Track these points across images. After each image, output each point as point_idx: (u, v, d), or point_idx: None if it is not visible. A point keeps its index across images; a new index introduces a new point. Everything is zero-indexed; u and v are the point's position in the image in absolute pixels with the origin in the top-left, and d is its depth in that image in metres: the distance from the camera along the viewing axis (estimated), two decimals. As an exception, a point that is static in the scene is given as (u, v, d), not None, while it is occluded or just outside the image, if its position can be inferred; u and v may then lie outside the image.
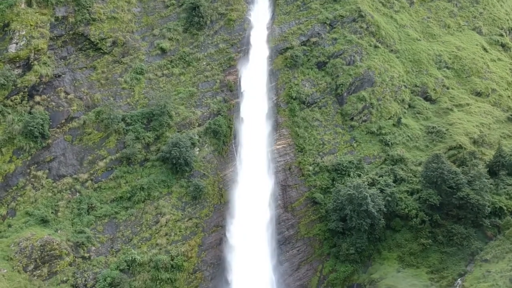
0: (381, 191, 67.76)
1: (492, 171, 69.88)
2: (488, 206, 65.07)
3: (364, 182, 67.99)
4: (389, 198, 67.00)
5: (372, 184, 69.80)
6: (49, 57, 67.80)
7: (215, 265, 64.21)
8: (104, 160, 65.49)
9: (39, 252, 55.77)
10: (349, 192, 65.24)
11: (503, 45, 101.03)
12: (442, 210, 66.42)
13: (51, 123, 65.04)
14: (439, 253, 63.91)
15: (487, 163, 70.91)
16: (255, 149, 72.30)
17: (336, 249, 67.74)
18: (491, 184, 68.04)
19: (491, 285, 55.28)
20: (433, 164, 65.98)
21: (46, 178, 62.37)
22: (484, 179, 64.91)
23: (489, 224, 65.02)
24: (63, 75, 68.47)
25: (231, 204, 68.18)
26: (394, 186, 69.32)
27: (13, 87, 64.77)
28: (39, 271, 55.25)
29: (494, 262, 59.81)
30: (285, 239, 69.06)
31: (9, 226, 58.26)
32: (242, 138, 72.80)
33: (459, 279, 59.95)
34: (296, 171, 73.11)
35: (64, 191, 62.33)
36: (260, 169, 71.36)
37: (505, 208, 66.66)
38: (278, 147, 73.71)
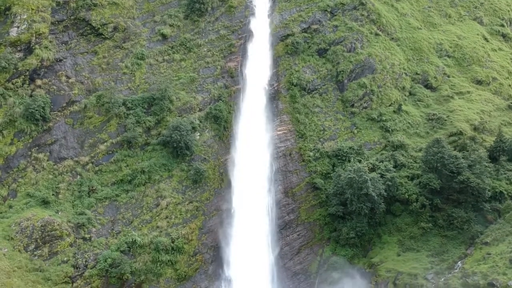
0: (382, 176, 67.80)
1: (493, 157, 69.89)
2: (489, 190, 65.17)
3: (364, 167, 67.98)
4: (389, 183, 67.02)
5: (372, 169, 69.83)
6: (50, 42, 68.06)
7: (216, 248, 64.25)
8: (105, 144, 65.63)
9: (39, 232, 55.90)
10: (349, 176, 65.30)
11: (504, 36, 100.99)
12: (442, 195, 66.43)
13: (52, 106, 65.25)
14: (440, 236, 63.96)
15: (488, 148, 70.90)
16: (255, 135, 72.34)
17: (336, 233, 67.79)
18: (491, 169, 68.17)
19: (491, 266, 55.37)
20: (434, 149, 66.01)
21: (47, 160, 62.53)
22: (484, 163, 64.95)
23: (489, 208, 65.05)
24: (64, 60, 68.67)
25: (232, 189, 68.20)
26: (395, 171, 69.38)
27: (14, 71, 65.01)
28: (39, 251, 55.37)
29: (494, 244, 59.87)
30: (285, 224, 69.10)
31: (10, 207, 58.42)
32: (243, 124, 72.80)
33: (459, 262, 59.98)
34: (296, 157, 73.19)
35: (65, 173, 62.46)
36: (260, 155, 71.39)
37: (505, 192, 66.74)
38: (278, 133, 73.78)
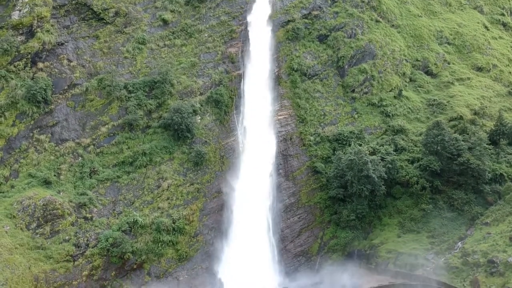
0: (382, 159, 68.00)
1: (493, 141, 70.02)
2: (489, 172, 65.40)
3: (365, 151, 68.14)
4: (390, 165, 67.19)
5: (373, 153, 69.96)
6: (52, 25, 68.44)
7: (216, 229, 64.44)
8: (106, 126, 65.87)
9: (41, 211, 56.16)
10: (350, 158, 65.50)
11: (504, 24, 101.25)
12: (442, 177, 66.64)
13: (53, 89, 65.57)
14: (440, 218, 64.07)
15: (488, 132, 71.04)
16: (256, 119, 72.48)
17: (336, 216, 67.97)
18: (492, 153, 68.36)
19: (491, 245, 55.55)
20: (434, 131, 66.20)
21: (49, 142, 62.83)
22: (484, 144, 65.13)
23: (489, 190, 65.23)
24: (66, 43, 69.01)
25: (233, 172, 68.39)
26: (395, 155, 69.56)
27: (16, 53, 65.38)
28: (41, 229, 55.62)
29: (495, 225, 60.10)
30: (286, 207, 69.26)
31: (12, 187, 58.69)
32: (243, 108, 72.96)
33: (459, 242, 60.15)
34: (297, 141, 73.39)
35: (66, 154, 62.73)
36: (261, 139, 71.53)
37: (505, 175, 66.93)
38: (279, 117, 73.95)
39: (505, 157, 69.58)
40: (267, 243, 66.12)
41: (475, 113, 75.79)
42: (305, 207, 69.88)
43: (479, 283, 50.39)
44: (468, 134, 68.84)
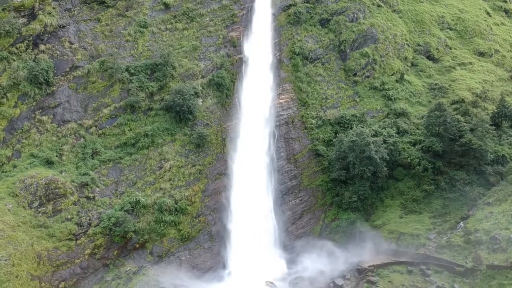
0: (384, 141, 67.93)
1: (495, 123, 69.88)
2: (491, 153, 65.26)
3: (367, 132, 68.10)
4: (392, 147, 67.14)
5: (375, 136, 69.86)
6: (53, 8, 68.56)
7: (218, 210, 64.46)
8: (108, 108, 65.93)
9: (43, 189, 56.20)
10: (352, 139, 65.40)
11: (506, 11, 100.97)
12: (444, 159, 66.56)
13: (55, 71, 65.68)
14: (442, 199, 64.02)
15: (490, 115, 70.89)
16: (258, 103, 72.44)
17: (338, 198, 67.90)
18: (494, 136, 68.26)
19: (493, 223, 55.46)
20: (436, 112, 66.08)
21: (51, 123, 62.92)
22: (486, 125, 65.00)
23: (491, 171, 65.06)
24: (67, 26, 69.04)
25: (234, 154, 68.39)
26: (397, 137, 69.48)
27: (18, 35, 65.50)
28: (43, 208, 55.67)
29: (497, 204, 59.92)
30: (287, 189, 69.28)
31: (14, 166, 58.81)
32: (245, 92, 72.93)
33: (461, 222, 60.03)
34: (299, 125, 73.35)
35: (68, 135, 62.78)
36: (263, 122, 71.53)
37: (507, 156, 66.78)
38: (281, 101, 73.92)
39: (507, 139, 69.43)
40: (269, 225, 66.10)
41: (476, 97, 75.55)
42: (307, 190, 69.85)
43: (481, 259, 50.36)
44: (470, 116, 68.69)
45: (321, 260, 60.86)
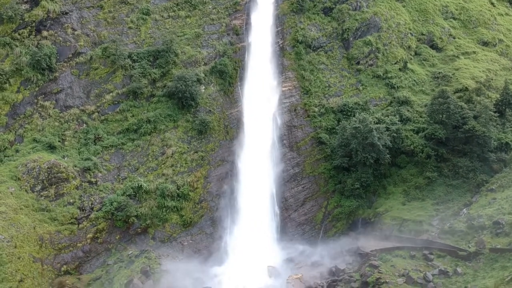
0: (387, 129, 67.70)
1: (499, 111, 69.45)
2: (494, 141, 64.96)
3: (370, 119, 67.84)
4: (395, 134, 66.91)
5: (378, 123, 69.59)
6: (56, -5, 68.45)
7: (221, 196, 64.43)
8: (111, 94, 65.96)
9: (46, 173, 56.29)
10: (354, 126, 65.19)
11: (510, 2, 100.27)
12: (447, 146, 66.29)
13: (58, 57, 65.78)
14: (445, 186, 63.76)
15: (494, 102, 70.49)
16: (260, 90, 72.31)
17: (341, 185, 67.75)
18: (497, 123, 67.92)
19: (496, 209, 55.22)
20: (439, 99, 65.79)
21: (53, 108, 63.05)
22: (490, 112, 64.66)
23: (495, 158, 64.71)
24: (70, 13, 69.03)
25: (237, 141, 68.31)
26: (400, 125, 69.20)
27: (21, 21, 65.56)
28: (46, 192, 55.80)
29: (500, 191, 59.73)
30: (290, 177, 69.14)
31: (17, 151, 58.97)
32: (248, 80, 72.79)
33: (464, 208, 59.81)
34: (301, 112, 73.16)
35: (71, 121, 62.87)
36: (265, 110, 71.42)
37: (511, 143, 66.40)
38: (283, 89, 73.70)
39: (511, 127, 69.04)
40: (271, 212, 66.07)
41: (480, 84, 75.14)
42: (309, 177, 69.71)
43: (484, 243, 50.10)
44: (473, 103, 68.37)
45: (323, 245, 60.85)
